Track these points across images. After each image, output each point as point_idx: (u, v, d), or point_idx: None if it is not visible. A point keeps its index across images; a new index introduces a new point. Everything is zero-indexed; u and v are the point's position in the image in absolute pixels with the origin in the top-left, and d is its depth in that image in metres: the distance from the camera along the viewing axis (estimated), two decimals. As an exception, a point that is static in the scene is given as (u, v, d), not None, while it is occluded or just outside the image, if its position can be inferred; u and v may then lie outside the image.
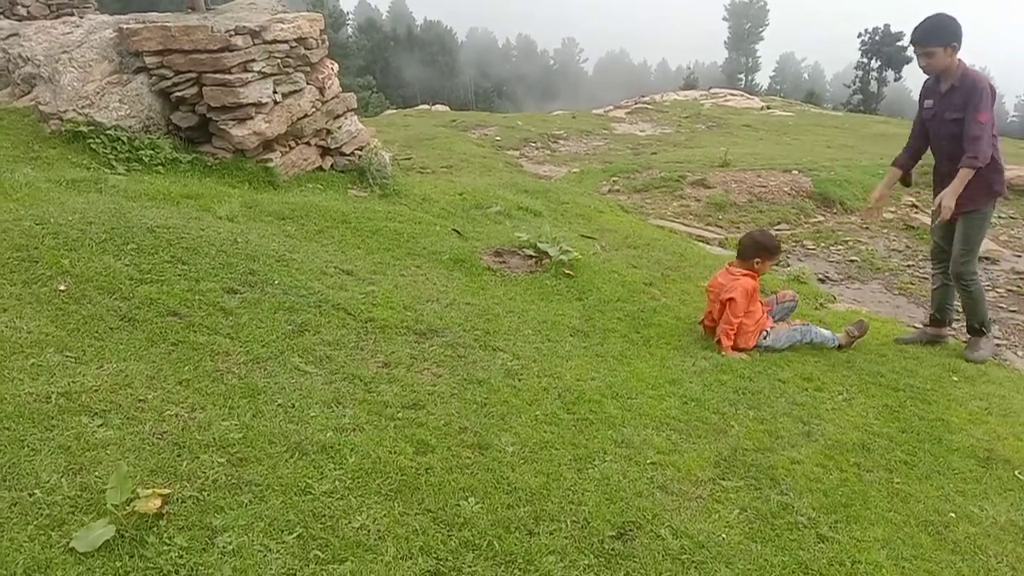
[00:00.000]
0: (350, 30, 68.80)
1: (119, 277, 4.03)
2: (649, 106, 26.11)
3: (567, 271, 5.82)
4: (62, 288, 3.80)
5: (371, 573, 2.46)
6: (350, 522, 2.68)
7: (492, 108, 31.85)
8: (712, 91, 33.68)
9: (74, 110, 6.37)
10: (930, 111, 4.94)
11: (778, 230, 10.14)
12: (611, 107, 26.91)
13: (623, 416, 3.76)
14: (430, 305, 4.76)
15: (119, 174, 6.12)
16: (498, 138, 18.00)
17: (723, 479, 3.32)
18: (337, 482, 2.87)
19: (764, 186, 11.49)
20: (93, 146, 6.34)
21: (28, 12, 13.50)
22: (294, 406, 3.33)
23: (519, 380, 3.98)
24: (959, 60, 4.72)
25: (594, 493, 3.08)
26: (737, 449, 3.55)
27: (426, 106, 30.39)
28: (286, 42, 6.86)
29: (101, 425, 2.92)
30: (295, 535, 2.56)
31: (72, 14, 13.19)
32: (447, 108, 29.69)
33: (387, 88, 61.50)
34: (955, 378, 4.62)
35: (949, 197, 4.60)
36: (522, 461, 3.24)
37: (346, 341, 4.04)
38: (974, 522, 3.20)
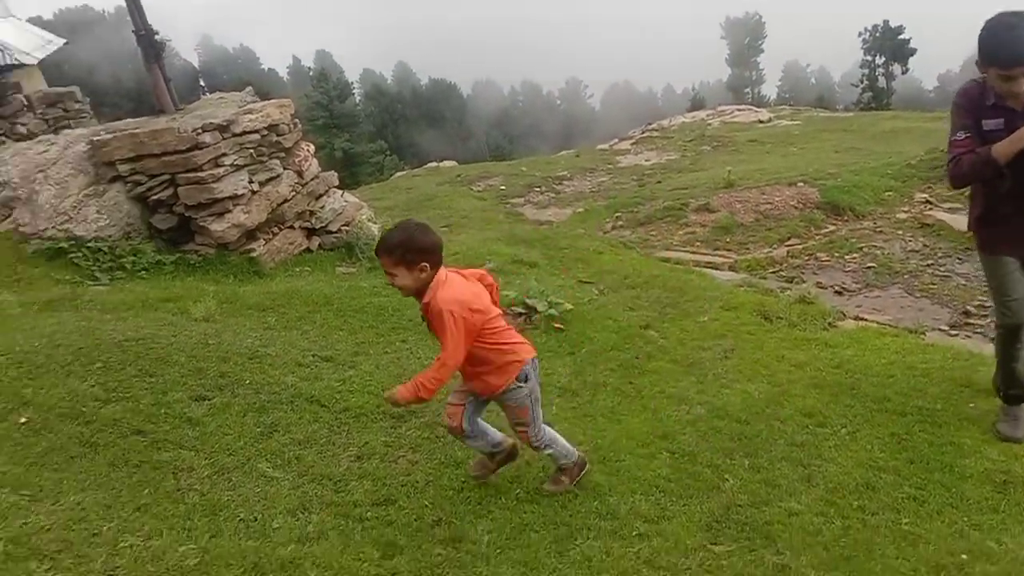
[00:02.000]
0: (357, 98, 70.10)
1: (83, 400, 3.95)
2: (655, 133, 26.02)
3: (557, 325, 5.66)
4: (23, 420, 3.72)
5: None
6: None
7: (504, 157, 32.03)
8: (719, 109, 33.50)
9: (53, 227, 6.41)
10: (998, 132, 3.55)
11: (788, 246, 9.87)
12: (615, 140, 26.85)
13: (609, 483, 3.56)
14: (410, 384, 4.60)
15: (102, 285, 6.11)
16: (502, 187, 17.98)
17: (715, 543, 3.09)
18: (291, 606, 2.71)
19: (770, 203, 11.25)
20: (75, 260, 6.36)
21: (28, 130, 13.88)
22: (256, 519, 3.19)
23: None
24: None
25: (574, 579, 2.88)
26: (730, 506, 3.32)
27: (434, 164, 30.60)
28: (256, 132, 6.88)
29: (49, 569, 2.79)
30: None
31: (69, 126, 13.55)
32: (455, 163, 29.88)
33: (400, 150, 62.36)
34: (966, 391, 4.33)
35: None
36: (498, 551, 3.06)
37: (317, 437, 3.90)
38: (992, 559, 2.93)
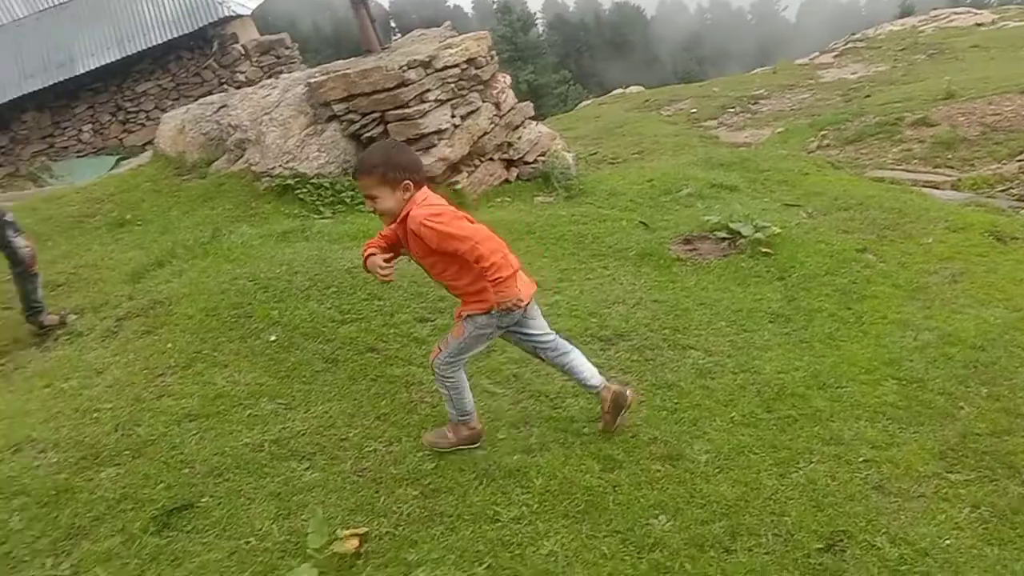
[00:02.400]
0: (540, 29, 69.69)
1: (322, 321, 4.33)
2: (860, 44, 24.00)
3: (765, 249, 5.46)
4: (273, 339, 4.15)
5: (559, 602, 2.43)
6: (538, 549, 2.67)
7: (693, 80, 30.79)
8: (932, 14, 30.26)
9: (280, 165, 6.96)
10: None
11: (1021, 161, 8.89)
12: (816, 54, 25.02)
13: (831, 409, 3.45)
14: (616, 308, 4.66)
15: (326, 218, 6.60)
16: (693, 111, 17.40)
17: (950, 472, 2.93)
18: (524, 507, 2.88)
19: (998, 113, 10.13)
20: (301, 196, 6.89)
21: (246, 78, 15.10)
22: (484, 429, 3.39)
23: (712, 379, 3.78)
24: None
25: (798, 501, 2.85)
26: (967, 435, 3.13)
27: (620, 90, 30.03)
28: (456, 66, 7.05)
29: (307, 468, 3.14)
30: (485, 566, 2.59)
31: (282, 71, 14.55)
32: (642, 88, 29.15)
33: (584, 78, 61.55)
34: None
35: None
36: (717, 470, 3.07)
37: (531, 358, 4.05)
38: None
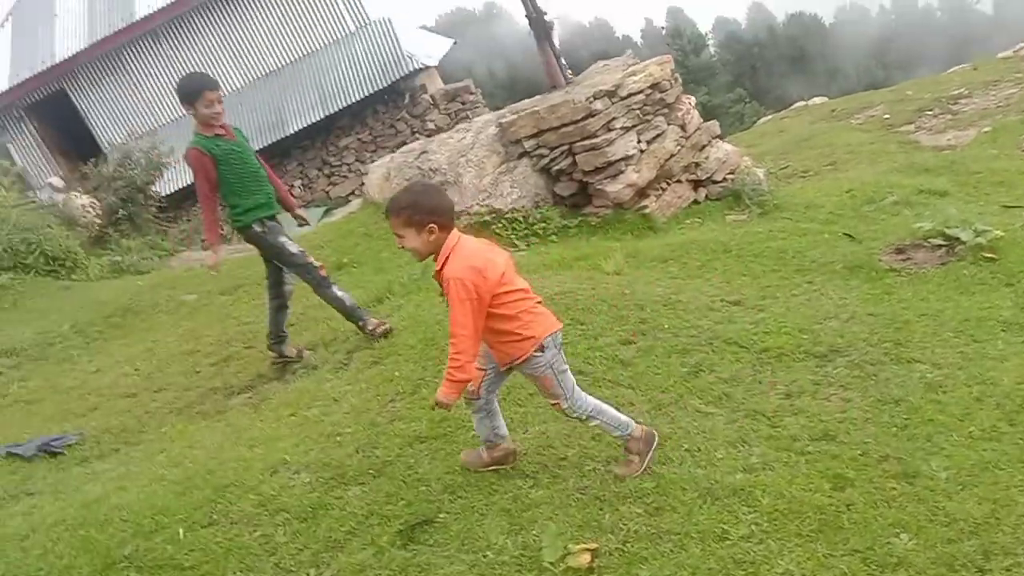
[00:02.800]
0: (711, 50, 68.54)
1: (530, 347, 4.50)
2: (1077, 27, 21.69)
3: (988, 255, 5.08)
4: (487, 365, 4.36)
5: (800, 622, 2.38)
6: (772, 568, 2.63)
7: (880, 87, 29.11)
8: None
9: (477, 203, 7.32)
10: None
11: None
12: (1021, 45, 22.88)
13: (1091, 424, 3.15)
14: (828, 323, 4.50)
15: (522, 250, 6.86)
16: (886, 116, 16.40)
17: None
18: (753, 526, 2.84)
19: None
20: (497, 231, 7.20)
21: (435, 125, 15.98)
22: (699, 449, 3.38)
23: (943, 393, 3.56)
24: None
25: (1058, 520, 2.62)
26: None
27: (802, 103, 28.87)
28: (641, 92, 7.14)
29: (532, 486, 3.27)
30: (718, 584, 2.59)
31: (467, 117, 15.29)
32: (825, 99, 27.88)
33: (759, 95, 59.69)
34: None
35: None
36: (959, 487, 2.88)
37: (742, 376, 4.00)
38: None
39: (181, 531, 3.11)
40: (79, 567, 2.98)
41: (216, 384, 5.29)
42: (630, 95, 7.08)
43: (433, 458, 3.54)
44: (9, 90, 17.82)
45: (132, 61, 17.82)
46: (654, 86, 7.30)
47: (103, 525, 3.24)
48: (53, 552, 3.14)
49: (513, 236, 7.15)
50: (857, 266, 5.43)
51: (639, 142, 7.10)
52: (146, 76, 17.84)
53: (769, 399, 3.75)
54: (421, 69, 17.27)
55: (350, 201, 16.74)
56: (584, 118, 6.87)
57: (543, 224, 7.22)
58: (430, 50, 19.02)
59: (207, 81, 4.87)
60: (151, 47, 17.77)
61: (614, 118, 6.94)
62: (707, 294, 5.13)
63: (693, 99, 7.84)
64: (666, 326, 4.60)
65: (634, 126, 7.11)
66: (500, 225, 7.23)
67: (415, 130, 16.73)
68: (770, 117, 28.81)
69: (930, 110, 15.93)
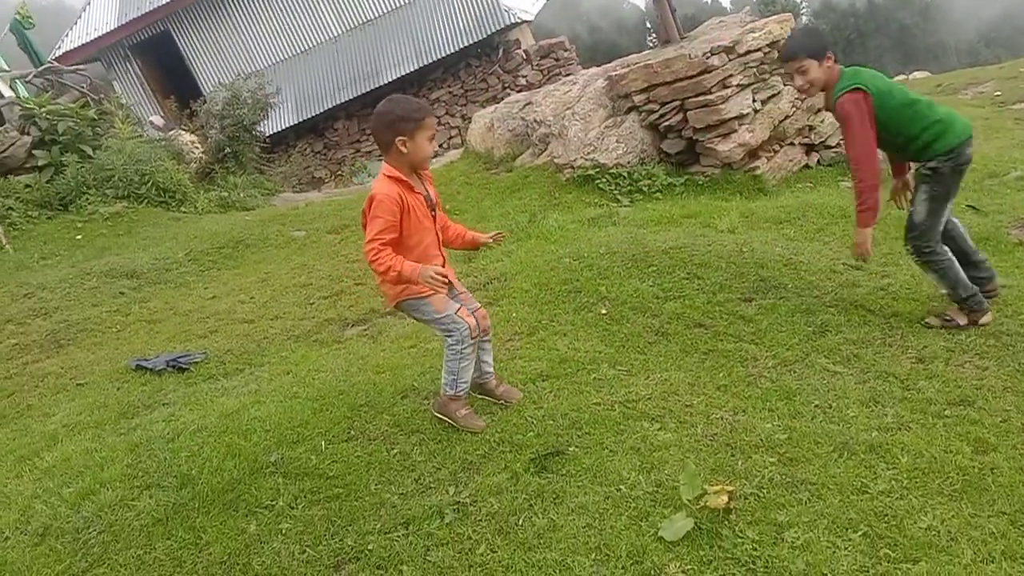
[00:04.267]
0: (805, 19, 66.09)
1: (647, 297, 4.50)
2: None
3: None
4: (603, 311, 4.39)
5: (948, 575, 2.35)
6: (916, 522, 2.59)
7: (980, 62, 27.70)
8: None
9: (581, 157, 7.29)
10: None
11: None
12: None
13: None
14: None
15: (625, 206, 6.82)
16: (997, 93, 15.60)
17: None
18: (893, 482, 2.80)
19: None
20: (600, 185, 7.17)
21: (527, 82, 15.86)
22: (831, 406, 3.34)
23: (1092, 367, 3.42)
24: None
25: None
26: None
27: (902, 77, 27.70)
28: (759, 50, 6.96)
29: (659, 429, 3.29)
30: (860, 533, 2.56)
31: (560, 74, 15.14)
32: (928, 74, 26.66)
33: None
34: None
35: None
36: (1113, 460, 2.78)
37: (871, 339, 3.92)
38: None
39: (323, 443, 3.24)
40: (228, 469, 3.13)
41: (331, 316, 5.44)
42: (748, 52, 6.91)
43: (556, 395, 3.58)
44: (117, 28, 18.39)
45: (234, 5, 18.16)
46: (772, 44, 7.10)
47: (246, 434, 3.39)
48: (200, 455, 3.30)
49: (616, 192, 7.10)
50: (984, 238, 5.22)
51: (754, 101, 6.94)
52: (247, 20, 18.17)
53: (901, 363, 3.67)
54: (516, 23, 17.12)
55: (438, 154, 16.85)
56: (699, 74, 6.74)
57: (648, 181, 7.14)
58: (525, 4, 18.81)
59: None
60: (254, -9, 18.10)
61: (730, 75, 6.79)
62: (827, 256, 5.02)
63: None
64: (789, 285, 4.53)
65: (750, 84, 6.95)
66: (604, 180, 7.19)
67: (507, 85, 16.66)
68: (867, 90, 27.60)
69: (1048, 88, 15.12)
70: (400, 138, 2.99)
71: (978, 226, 5.44)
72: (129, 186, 9.72)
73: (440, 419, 3.36)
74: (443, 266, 3.20)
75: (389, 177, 3.03)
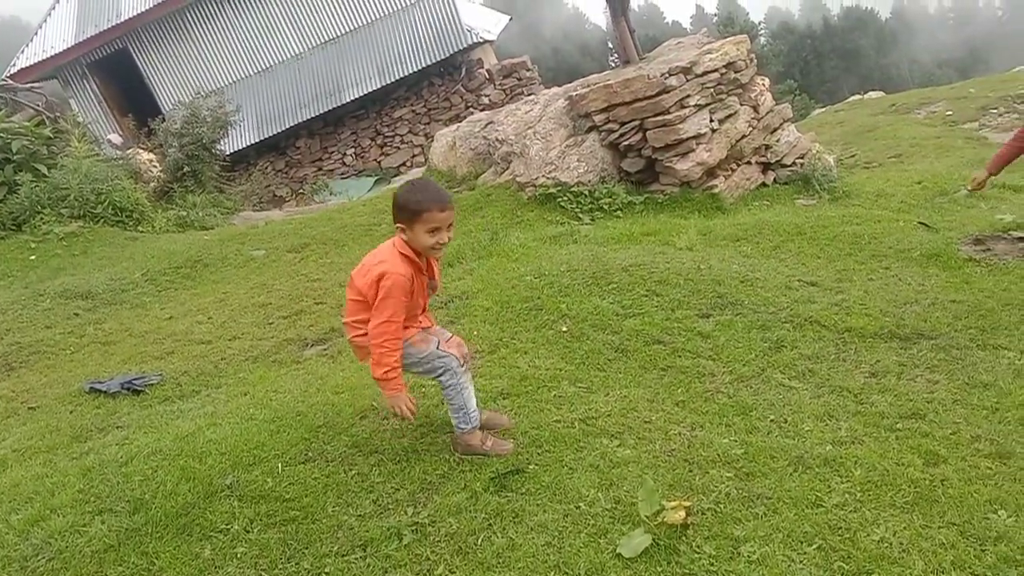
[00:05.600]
0: (763, 39, 67.44)
1: (607, 314, 4.53)
2: None
3: (1076, 249, 4.99)
4: (564, 329, 4.41)
5: (901, 587, 2.40)
6: (869, 535, 2.63)
7: (933, 83, 28.63)
8: None
9: (543, 175, 7.34)
10: None
11: None
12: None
13: None
14: (909, 308, 4.46)
15: (586, 224, 6.87)
16: (949, 113, 16.09)
17: None
18: (847, 495, 2.85)
19: None
20: (562, 203, 7.22)
21: (490, 100, 15.95)
22: (786, 421, 3.40)
23: (1035, 380, 3.52)
24: None
25: None
26: None
27: (857, 96, 28.35)
28: (716, 71, 7.09)
29: (619, 445, 3.30)
30: (815, 546, 2.60)
31: (522, 93, 15.25)
32: (882, 94, 27.35)
33: (811, 88, 58.71)
34: None
35: None
36: (1058, 470, 2.86)
37: (825, 354, 3.99)
38: None
39: (280, 465, 3.20)
40: (182, 493, 3.08)
41: (290, 336, 5.39)
42: (705, 73, 7.03)
43: (517, 413, 3.58)
44: (75, 46, 18.14)
45: (194, 23, 18.03)
46: (729, 65, 7.24)
47: (201, 457, 3.33)
48: (154, 479, 3.24)
49: (578, 210, 7.16)
50: (935, 255, 5.37)
51: (711, 121, 7.06)
52: (207, 38, 18.05)
53: (854, 377, 3.75)
54: (479, 43, 17.25)
55: (401, 172, 16.85)
56: (658, 94, 6.84)
57: (608, 199, 7.21)
58: (487, 25, 18.95)
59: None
60: (213, 10, 17.97)
61: (688, 95, 6.90)
62: (783, 273, 5.11)
63: (767, 80, 7.75)
64: (745, 301, 4.60)
65: (707, 104, 7.07)
66: (565, 198, 7.24)
67: (469, 104, 16.73)
68: (824, 109, 28.33)
69: (995, 108, 15.63)
70: (398, 224, 3.00)
71: (929, 243, 5.58)
72: (85, 205, 9.56)
73: (469, 456, 3.26)
74: (430, 327, 3.26)
75: (403, 256, 3.01)
